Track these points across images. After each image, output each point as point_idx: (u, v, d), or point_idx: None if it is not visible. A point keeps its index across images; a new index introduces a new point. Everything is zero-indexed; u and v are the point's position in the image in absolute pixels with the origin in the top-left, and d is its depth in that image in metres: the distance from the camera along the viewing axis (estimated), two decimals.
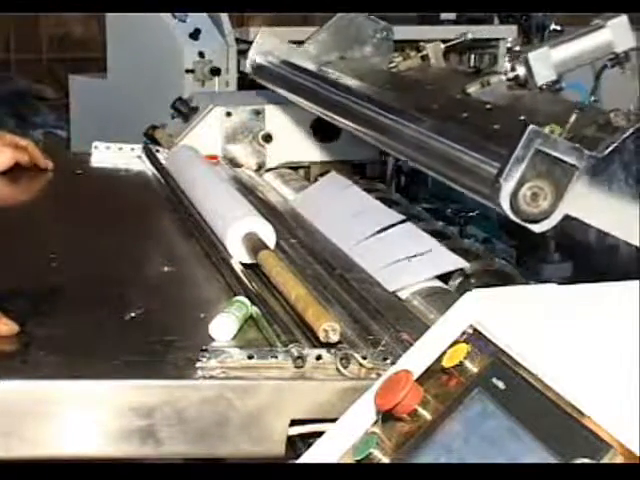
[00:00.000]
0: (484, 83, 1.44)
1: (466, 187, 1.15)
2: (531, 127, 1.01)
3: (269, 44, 1.97)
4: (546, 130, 1.07)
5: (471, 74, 1.62)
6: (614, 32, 1.41)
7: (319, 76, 1.80)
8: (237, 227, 1.36)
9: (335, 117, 1.63)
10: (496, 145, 1.13)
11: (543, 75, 1.41)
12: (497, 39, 4.33)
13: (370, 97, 1.54)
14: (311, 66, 1.92)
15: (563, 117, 1.21)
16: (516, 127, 1.19)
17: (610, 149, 1.01)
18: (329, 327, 1.04)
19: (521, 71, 1.42)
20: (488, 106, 1.39)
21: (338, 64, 1.90)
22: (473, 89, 1.44)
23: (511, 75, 1.43)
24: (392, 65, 1.76)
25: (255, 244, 1.33)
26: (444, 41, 1.78)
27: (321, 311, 1.09)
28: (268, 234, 1.37)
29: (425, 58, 1.75)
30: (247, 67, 1.96)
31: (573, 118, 1.12)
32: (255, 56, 1.96)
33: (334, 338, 1.04)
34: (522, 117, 1.27)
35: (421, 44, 1.77)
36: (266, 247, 1.32)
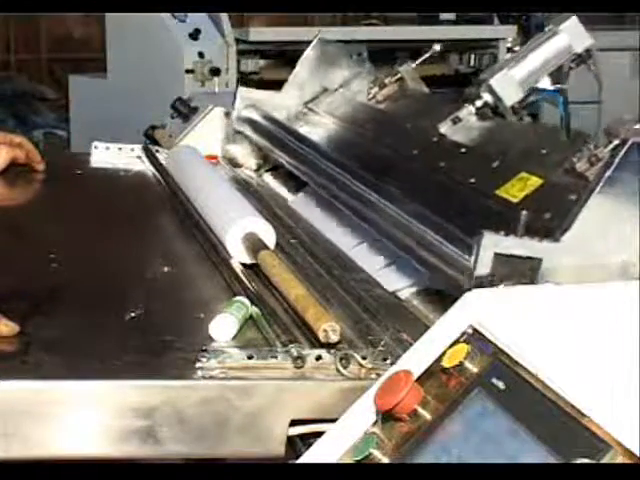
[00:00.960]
0: (455, 120, 1.44)
1: (439, 274, 1.13)
2: (485, 236, 0.97)
3: (251, 97, 1.96)
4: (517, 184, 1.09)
5: (445, 89, 1.65)
6: (569, 34, 1.41)
7: (295, 134, 1.80)
8: (237, 227, 1.36)
9: (312, 180, 1.63)
10: (470, 222, 1.11)
11: (510, 96, 1.41)
12: (497, 39, 4.34)
13: (343, 164, 1.53)
14: (294, 108, 1.94)
15: (534, 155, 1.24)
16: (492, 176, 1.24)
17: (568, 233, 0.98)
18: (329, 327, 1.04)
19: (488, 97, 1.43)
20: (462, 150, 1.39)
21: (321, 100, 1.92)
22: (446, 128, 1.44)
23: (479, 104, 1.43)
24: (370, 96, 1.76)
25: (255, 244, 1.33)
26: (414, 57, 1.80)
27: (321, 311, 1.09)
28: (268, 234, 1.37)
29: (401, 80, 1.76)
30: (233, 123, 1.96)
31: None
32: (241, 111, 1.95)
33: (334, 338, 1.04)
34: (495, 163, 1.28)
35: (394, 67, 1.78)
36: (266, 247, 1.32)
